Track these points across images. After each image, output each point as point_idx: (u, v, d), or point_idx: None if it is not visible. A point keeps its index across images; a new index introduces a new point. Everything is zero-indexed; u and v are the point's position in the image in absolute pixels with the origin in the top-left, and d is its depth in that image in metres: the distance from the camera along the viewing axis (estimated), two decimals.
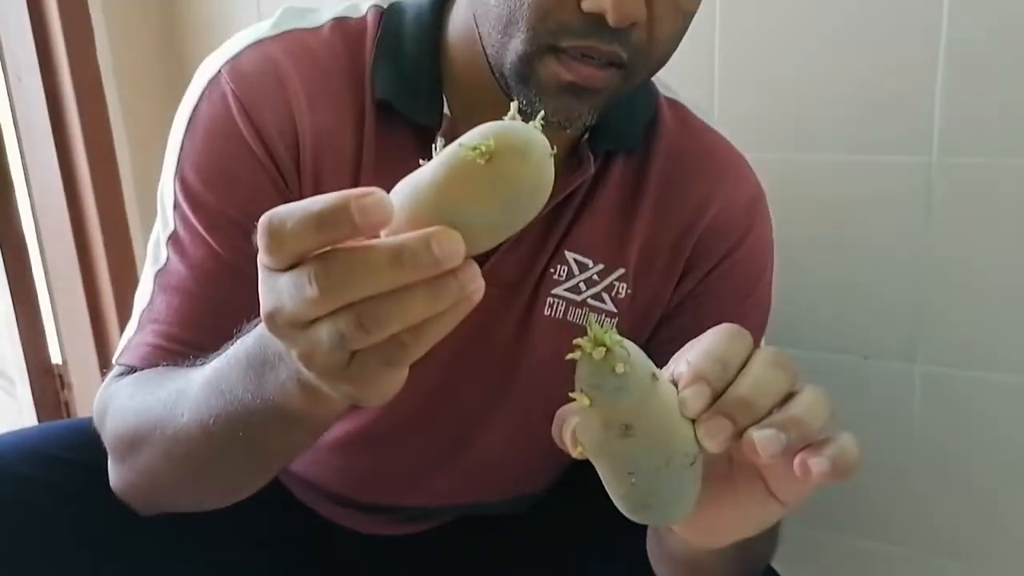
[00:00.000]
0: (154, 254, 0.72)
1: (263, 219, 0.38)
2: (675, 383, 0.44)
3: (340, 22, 0.74)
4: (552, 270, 0.75)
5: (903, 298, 1.03)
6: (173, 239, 0.70)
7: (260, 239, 0.39)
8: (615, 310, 0.76)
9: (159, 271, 0.71)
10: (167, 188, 0.71)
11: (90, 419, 0.71)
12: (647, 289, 0.77)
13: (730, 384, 0.43)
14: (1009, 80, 0.93)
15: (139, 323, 0.71)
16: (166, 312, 0.69)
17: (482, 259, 0.39)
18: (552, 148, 0.39)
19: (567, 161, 0.73)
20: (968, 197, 0.97)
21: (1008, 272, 0.98)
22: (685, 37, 0.66)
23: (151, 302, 0.70)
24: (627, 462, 0.43)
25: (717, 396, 0.43)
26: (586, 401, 0.42)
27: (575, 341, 0.41)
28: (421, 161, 0.39)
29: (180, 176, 0.70)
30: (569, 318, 0.75)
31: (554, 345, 0.74)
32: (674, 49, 0.67)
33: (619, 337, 0.41)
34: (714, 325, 0.46)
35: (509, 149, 0.37)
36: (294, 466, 0.85)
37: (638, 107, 0.76)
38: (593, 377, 0.41)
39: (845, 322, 1.07)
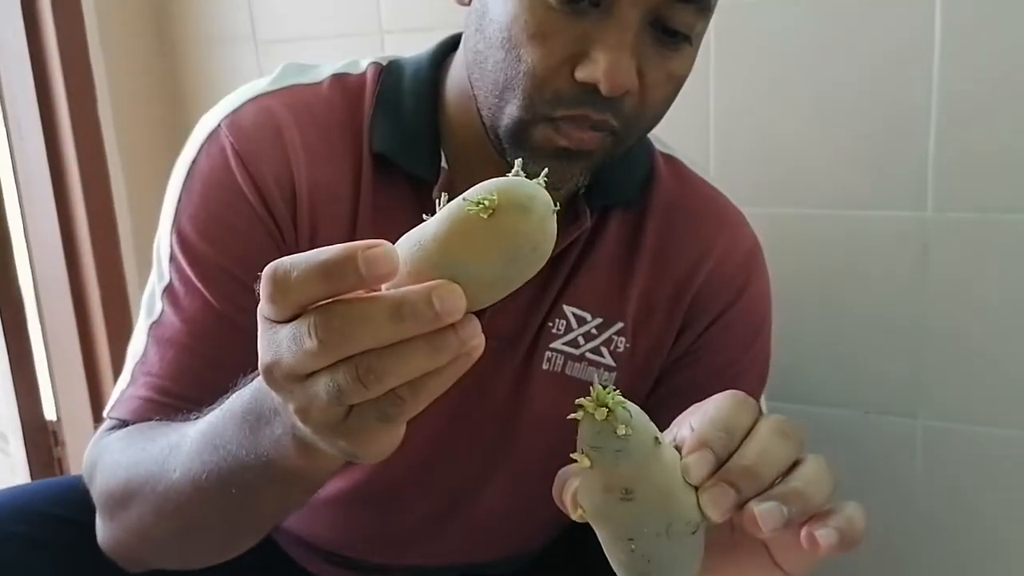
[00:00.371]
0: (148, 306, 0.72)
1: (268, 268, 0.38)
2: (678, 448, 0.43)
3: (340, 78, 0.74)
4: (550, 324, 0.74)
5: (902, 352, 1.03)
6: (168, 291, 0.70)
7: (264, 288, 0.38)
8: (614, 364, 0.75)
9: (153, 323, 0.70)
10: (163, 240, 0.71)
11: (81, 475, 0.70)
12: (646, 343, 0.76)
13: (734, 452, 0.42)
14: (1003, 134, 0.94)
15: (132, 375, 0.70)
16: (159, 365, 0.68)
17: (479, 312, 0.39)
18: (556, 205, 0.38)
19: (564, 215, 0.73)
20: (965, 251, 0.98)
21: (1005, 320, 0.98)
22: (680, 93, 0.67)
23: (144, 354, 0.70)
24: (627, 527, 0.42)
25: (721, 464, 0.42)
26: (587, 462, 0.41)
27: (577, 401, 0.40)
28: (424, 216, 0.39)
29: (177, 228, 0.70)
30: (568, 372, 0.75)
31: (553, 399, 0.74)
32: (665, 112, 0.68)
33: (622, 398, 0.40)
34: (714, 380, 0.45)
35: (512, 205, 0.37)
36: (286, 522, 0.84)
37: (634, 162, 0.76)
38: (594, 438, 0.40)
39: (844, 376, 1.06)
